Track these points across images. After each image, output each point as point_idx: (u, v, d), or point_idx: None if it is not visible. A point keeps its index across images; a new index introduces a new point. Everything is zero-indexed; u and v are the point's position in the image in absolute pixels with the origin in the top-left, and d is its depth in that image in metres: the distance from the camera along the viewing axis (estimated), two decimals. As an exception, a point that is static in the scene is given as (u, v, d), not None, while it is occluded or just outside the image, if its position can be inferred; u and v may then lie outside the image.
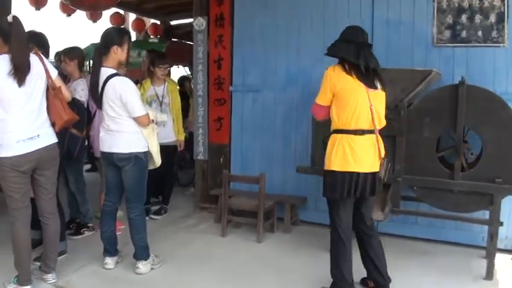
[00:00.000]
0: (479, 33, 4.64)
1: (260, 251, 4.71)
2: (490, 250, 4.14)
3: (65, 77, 4.83)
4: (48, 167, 3.57)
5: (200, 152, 6.00)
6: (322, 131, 4.60)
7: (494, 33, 4.60)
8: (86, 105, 4.78)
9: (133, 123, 3.90)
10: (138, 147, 3.93)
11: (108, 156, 3.99)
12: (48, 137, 3.53)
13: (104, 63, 3.88)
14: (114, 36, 3.90)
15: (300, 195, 5.44)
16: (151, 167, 4.14)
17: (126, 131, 3.90)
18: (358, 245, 3.71)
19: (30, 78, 3.38)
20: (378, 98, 3.46)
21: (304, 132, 5.34)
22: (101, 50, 3.89)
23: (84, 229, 4.99)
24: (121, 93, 3.78)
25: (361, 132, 3.37)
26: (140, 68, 9.12)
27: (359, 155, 3.34)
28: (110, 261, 4.19)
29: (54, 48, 6.36)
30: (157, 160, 4.14)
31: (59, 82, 3.64)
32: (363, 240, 3.67)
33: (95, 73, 3.92)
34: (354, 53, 3.37)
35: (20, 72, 3.30)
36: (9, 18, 3.30)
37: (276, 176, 5.50)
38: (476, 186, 4.09)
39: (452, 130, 4.21)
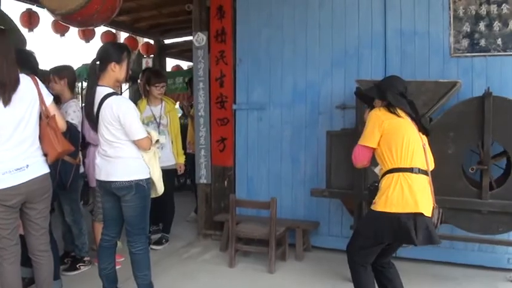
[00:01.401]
0: (499, 41, 4.42)
1: (273, 282, 4.37)
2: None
3: (57, 99, 4.50)
4: (39, 200, 3.18)
5: (203, 175, 5.67)
6: (338, 150, 4.37)
7: (514, 41, 4.38)
8: (79, 129, 4.46)
9: (133, 147, 3.53)
10: (139, 174, 3.54)
11: (106, 185, 3.59)
12: (38, 168, 3.14)
13: (100, 81, 3.53)
14: (113, 52, 3.55)
15: (312, 220, 5.13)
16: (153, 195, 3.77)
17: (125, 156, 3.52)
18: (374, 276, 3.38)
19: (20, 103, 3.02)
20: (427, 141, 3.29)
21: (314, 153, 5.09)
22: (96, 67, 3.53)
23: (80, 264, 4.61)
24: (119, 114, 3.40)
25: (418, 170, 3.10)
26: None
27: (417, 195, 3.03)
28: None
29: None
30: (160, 188, 3.77)
31: (53, 110, 3.26)
32: (377, 270, 3.38)
33: (90, 92, 3.55)
34: (409, 108, 3.27)
35: (4, 89, 2.94)
36: None
37: (284, 200, 5.20)
38: (508, 206, 3.83)
39: (479, 145, 3.96)
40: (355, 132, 4.06)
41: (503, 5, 4.36)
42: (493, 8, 4.40)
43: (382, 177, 3.19)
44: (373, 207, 3.16)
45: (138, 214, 3.59)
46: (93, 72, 3.56)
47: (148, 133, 3.61)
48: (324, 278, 4.41)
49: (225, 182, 5.58)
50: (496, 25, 4.39)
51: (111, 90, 3.51)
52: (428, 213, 3.06)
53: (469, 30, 4.48)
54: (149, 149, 3.57)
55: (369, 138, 3.21)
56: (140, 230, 3.63)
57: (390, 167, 3.13)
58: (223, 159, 5.56)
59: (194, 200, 6.53)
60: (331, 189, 4.43)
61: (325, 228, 5.12)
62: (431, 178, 3.15)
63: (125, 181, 3.49)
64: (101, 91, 3.50)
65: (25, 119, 3.06)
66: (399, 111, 3.18)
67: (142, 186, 3.55)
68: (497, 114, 3.82)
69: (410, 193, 3.02)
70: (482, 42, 4.44)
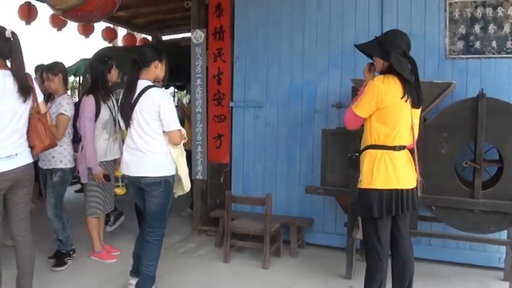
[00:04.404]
0: (494, 44, 4.46)
1: (268, 278, 4.41)
2: (512, 273, 3.98)
3: (47, 96, 4.52)
4: (22, 187, 3.34)
5: (199, 171, 5.70)
6: (333, 149, 4.40)
7: (509, 44, 4.42)
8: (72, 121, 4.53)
9: (163, 143, 3.64)
10: (167, 171, 3.67)
11: (135, 181, 3.70)
12: (25, 157, 3.33)
13: (142, 76, 3.69)
14: (155, 52, 3.75)
15: (306, 217, 5.17)
16: (180, 193, 3.92)
17: (156, 151, 3.62)
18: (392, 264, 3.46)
19: (19, 98, 3.22)
20: (417, 116, 3.33)
21: (310, 150, 5.13)
22: (139, 65, 3.70)
23: (67, 258, 4.58)
24: (160, 104, 3.54)
25: (399, 148, 3.21)
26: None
27: (401, 171, 3.19)
28: (133, 283, 3.95)
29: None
30: (187, 185, 3.89)
31: (44, 108, 3.50)
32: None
33: (131, 87, 3.66)
34: (410, 70, 3.20)
35: (24, 89, 3.21)
36: (7, 33, 3.16)
37: (279, 197, 5.23)
38: (499, 206, 3.87)
39: (472, 146, 4.02)
40: (350, 131, 4.11)
41: (499, 8, 4.41)
42: (489, 11, 4.44)
43: (364, 150, 3.28)
44: (359, 185, 3.27)
45: (160, 209, 3.72)
46: (136, 69, 3.70)
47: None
48: (317, 274, 4.45)
49: (221, 179, 5.61)
50: (491, 28, 4.44)
51: (151, 83, 3.67)
52: (411, 185, 3.23)
53: (464, 32, 4.52)
54: (179, 143, 3.68)
55: (364, 109, 3.22)
56: (158, 223, 3.77)
57: (374, 142, 3.21)
58: (220, 156, 5.60)
59: (190, 196, 6.55)
60: (326, 186, 4.44)
61: (319, 225, 5.16)
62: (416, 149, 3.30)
63: (155, 177, 3.61)
64: (141, 83, 3.64)
65: (19, 113, 3.25)
66: (404, 88, 3.12)
67: (169, 183, 3.69)
68: (490, 115, 3.86)
69: (393, 171, 3.16)
70: (477, 44, 4.49)
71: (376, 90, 3.14)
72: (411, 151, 3.32)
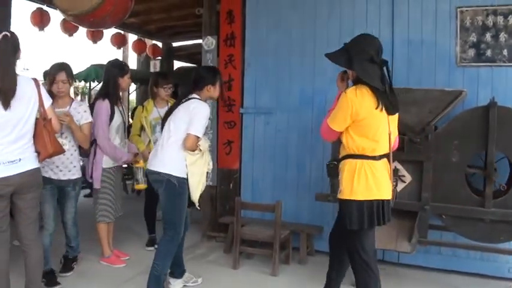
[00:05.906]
0: (505, 52, 4.45)
1: (276, 285, 4.41)
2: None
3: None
4: (28, 192, 3.33)
5: (208, 177, 5.69)
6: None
7: (520, 52, 4.41)
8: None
9: (180, 147, 3.78)
10: (173, 171, 3.76)
11: (151, 177, 3.92)
12: (29, 162, 3.31)
13: (195, 93, 3.94)
14: (208, 76, 4.00)
15: (315, 224, 5.16)
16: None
17: (170, 150, 3.79)
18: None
19: (20, 104, 3.21)
20: (394, 122, 3.25)
21: (320, 157, 5.11)
22: (193, 86, 3.97)
23: (73, 263, 4.57)
24: (194, 109, 3.77)
25: (379, 157, 3.15)
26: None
27: (381, 181, 3.12)
28: (172, 282, 4.15)
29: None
30: (194, 195, 3.91)
31: (51, 113, 3.46)
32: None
33: (179, 101, 3.95)
34: (380, 76, 3.08)
35: (4, 95, 3.14)
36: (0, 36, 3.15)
37: (289, 203, 5.20)
38: (510, 215, 3.86)
39: (482, 154, 4.00)
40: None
41: (510, 16, 4.40)
42: (500, 19, 4.43)
43: (343, 159, 3.20)
44: (339, 195, 3.22)
45: (167, 209, 3.84)
46: (188, 88, 4.00)
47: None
48: (326, 282, 4.43)
49: (231, 185, 5.63)
50: (502, 36, 4.43)
51: (197, 97, 3.91)
52: (389, 196, 3.17)
53: (475, 40, 4.52)
54: (190, 148, 3.77)
55: (339, 123, 3.12)
56: (169, 224, 3.86)
57: (354, 152, 3.13)
58: (229, 162, 5.61)
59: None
60: (336, 194, 4.44)
61: (329, 232, 5.13)
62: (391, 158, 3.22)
63: (159, 172, 3.77)
64: (190, 97, 3.92)
65: (24, 119, 3.24)
66: (377, 97, 3.03)
67: (173, 184, 3.75)
68: (501, 124, 3.85)
69: (374, 181, 3.09)
70: (488, 52, 4.48)
71: (349, 103, 3.03)
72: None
